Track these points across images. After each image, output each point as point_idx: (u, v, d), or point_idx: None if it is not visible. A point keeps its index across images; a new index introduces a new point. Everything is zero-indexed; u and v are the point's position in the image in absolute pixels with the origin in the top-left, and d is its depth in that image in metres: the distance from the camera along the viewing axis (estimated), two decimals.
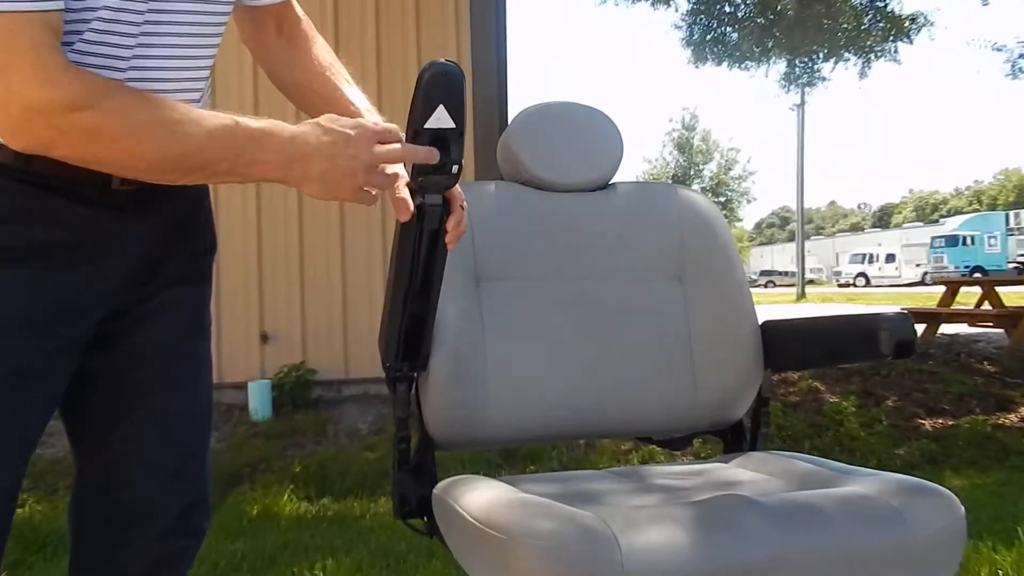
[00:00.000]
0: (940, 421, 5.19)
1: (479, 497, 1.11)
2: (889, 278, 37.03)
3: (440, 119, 0.97)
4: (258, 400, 5.63)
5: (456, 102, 0.98)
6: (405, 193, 1.03)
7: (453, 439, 1.40)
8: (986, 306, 8.12)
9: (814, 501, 1.07)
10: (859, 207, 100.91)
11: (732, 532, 0.98)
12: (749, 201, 42.94)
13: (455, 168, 1.01)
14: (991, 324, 7.76)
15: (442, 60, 0.98)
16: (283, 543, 3.25)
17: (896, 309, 1.31)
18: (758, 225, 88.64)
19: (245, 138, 0.91)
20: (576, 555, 0.93)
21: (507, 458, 4.45)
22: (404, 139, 0.98)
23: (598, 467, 3.33)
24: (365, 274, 6.10)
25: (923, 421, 5.20)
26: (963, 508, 1.10)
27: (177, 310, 1.13)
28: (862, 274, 39.01)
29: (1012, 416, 5.23)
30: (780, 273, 45.28)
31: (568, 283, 1.49)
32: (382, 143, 0.95)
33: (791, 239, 50.28)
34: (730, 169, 41.22)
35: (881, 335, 1.28)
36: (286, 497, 4.23)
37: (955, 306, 8.54)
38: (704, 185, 39.89)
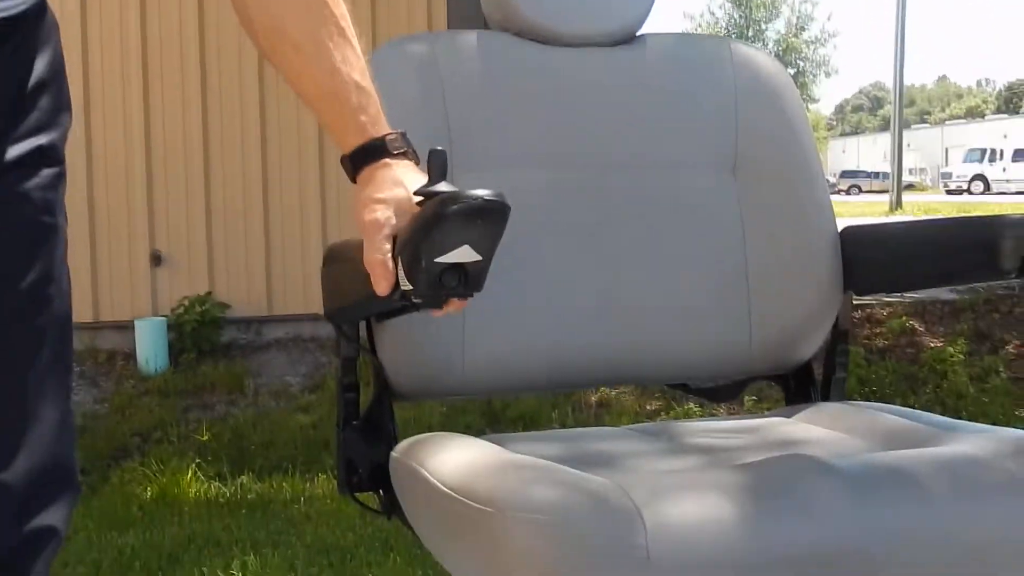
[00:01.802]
0: None
1: (454, 459, 1.12)
2: (1017, 182, 37.06)
3: (461, 254, 0.98)
4: (150, 345, 5.65)
5: (489, 241, 1.00)
6: (385, 255, 1.05)
7: (419, 387, 1.41)
8: None
9: (905, 465, 1.09)
10: (979, 84, 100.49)
11: (796, 506, 1.00)
12: (828, 75, 42.69)
13: (472, 295, 1.04)
14: None
15: (485, 193, 0.97)
16: (187, 536, 3.30)
17: None
18: (840, 108, 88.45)
19: None
20: (585, 535, 0.94)
21: (491, 420, 4.50)
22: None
23: None
24: (294, 166, 6.03)
25: None
26: None
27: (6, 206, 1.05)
28: (980, 176, 39.05)
29: None
30: (868, 175, 45.32)
31: (578, 174, 1.49)
32: None
33: (884, 128, 50.08)
34: (803, 29, 40.99)
35: (1004, 245, 1.28)
36: (190, 475, 4.27)
37: None
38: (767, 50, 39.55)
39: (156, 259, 5.98)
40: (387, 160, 1.13)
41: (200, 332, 5.78)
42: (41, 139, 1.09)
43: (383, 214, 1.07)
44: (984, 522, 1.04)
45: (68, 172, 1.16)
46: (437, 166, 1.04)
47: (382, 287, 1.04)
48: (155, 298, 5.99)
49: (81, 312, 5.90)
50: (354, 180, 1.16)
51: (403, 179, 1.10)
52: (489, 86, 1.48)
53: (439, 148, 1.06)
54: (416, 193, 1.04)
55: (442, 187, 1.01)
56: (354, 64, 1.16)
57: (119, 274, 5.93)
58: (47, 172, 1.10)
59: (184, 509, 3.88)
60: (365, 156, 1.14)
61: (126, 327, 5.79)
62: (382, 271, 1.04)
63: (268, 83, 5.97)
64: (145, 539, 3.31)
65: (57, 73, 1.12)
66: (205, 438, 4.73)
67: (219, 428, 4.84)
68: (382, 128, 1.16)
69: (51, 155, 1.11)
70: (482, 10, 1.57)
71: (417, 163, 1.15)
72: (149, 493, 4.11)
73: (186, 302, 5.84)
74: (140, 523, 3.65)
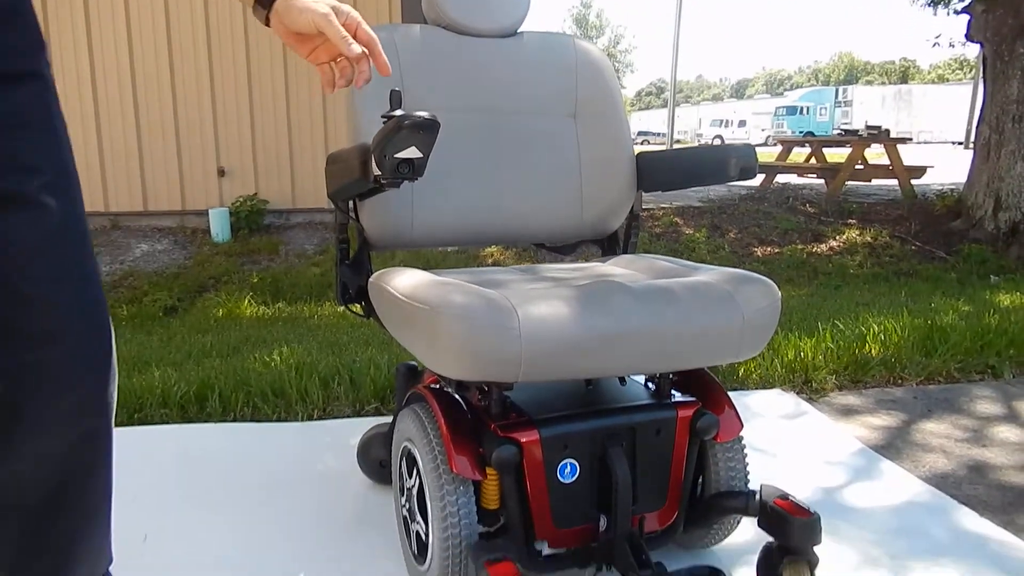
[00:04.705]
0: (769, 249, 5.46)
1: (407, 280, 1.12)
2: (740, 139, 37.57)
3: (410, 152, 0.96)
4: (218, 225, 5.49)
5: (428, 145, 0.96)
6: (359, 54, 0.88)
7: (385, 240, 1.39)
8: (813, 162, 8.51)
9: (669, 286, 1.11)
10: (720, 80, 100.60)
11: (606, 307, 1.02)
12: (632, 71, 42.16)
13: (416, 179, 0.99)
14: (815, 176, 8.19)
15: (425, 114, 0.94)
16: (245, 337, 3.27)
17: (743, 143, 1.32)
18: (638, 93, 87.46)
19: None
20: (482, 321, 0.95)
21: (428, 268, 4.50)
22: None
23: None
24: (307, 114, 5.84)
25: (756, 249, 5.46)
26: (779, 293, 1.14)
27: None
28: (719, 136, 39.53)
29: (823, 247, 5.54)
30: (654, 134, 45.16)
31: (480, 116, 1.46)
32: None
33: (664, 106, 49.87)
34: (618, 43, 40.29)
35: (730, 161, 1.30)
36: (246, 302, 4.21)
37: (789, 161, 8.82)
38: None
39: (221, 172, 5.77)
40: None
41: (250, 217, 5.64)
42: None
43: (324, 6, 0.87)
44: (708, 315, 1.06)
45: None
46: (396, 99, 1.01)
47: (330, 88, 0.92)
48: (221, 196, 5.81)
49: (173, 203, 5.68)
50: (267, 16, 0.88)
51: None
52: (426, 61, 1.43)
53: (397, 89, 1.02)
54: (383, 116, 1.00)
55: (398, 112, 0.98)
56: None
57: (198, 180, 5.72)
58: (47, 86, 0.77)
59: (243, 322, 3.83)
60: None
61: (203, 214, 5.61)
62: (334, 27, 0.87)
63: (291, 68, 5.70)
64: (219, 339, 3.26)
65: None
66: (255, 280, 4.64)
67: (263, 275, 4.76)
68: None
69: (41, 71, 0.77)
70: (423, 10, 1.51)
71: None
72: (221, 312, 4.04)
73: (241, 199, 5.67)
74: (215, 329, 3.59)
